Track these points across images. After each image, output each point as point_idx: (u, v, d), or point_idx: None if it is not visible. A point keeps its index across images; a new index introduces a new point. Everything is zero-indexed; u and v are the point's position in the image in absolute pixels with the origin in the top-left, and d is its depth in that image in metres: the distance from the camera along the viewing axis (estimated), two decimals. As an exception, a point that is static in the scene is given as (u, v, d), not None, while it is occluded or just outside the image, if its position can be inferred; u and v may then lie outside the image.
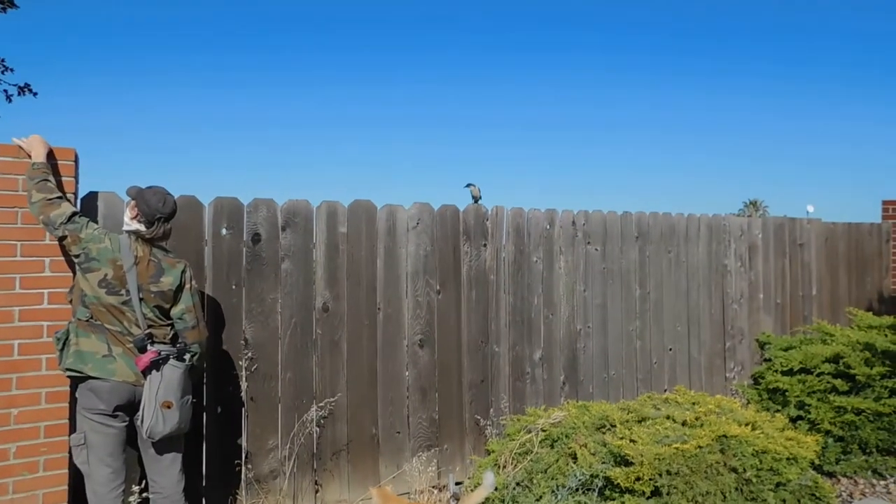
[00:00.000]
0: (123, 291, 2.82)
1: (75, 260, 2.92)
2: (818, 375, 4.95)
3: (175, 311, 2.95)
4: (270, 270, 3.83)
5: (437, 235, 4.37)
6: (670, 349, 5.41)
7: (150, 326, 2.85)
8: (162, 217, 2.91)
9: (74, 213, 2.92)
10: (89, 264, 2.83)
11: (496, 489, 3.62)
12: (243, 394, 3.72)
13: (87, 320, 2.86)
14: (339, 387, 3.98)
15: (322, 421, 3.89)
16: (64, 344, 2.86)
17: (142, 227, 2.90)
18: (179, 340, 2.93)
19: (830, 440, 4.61)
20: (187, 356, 2.90)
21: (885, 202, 7.24)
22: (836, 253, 6.60)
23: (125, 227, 2.97)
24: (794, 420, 4.81)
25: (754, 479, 3.77)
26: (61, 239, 2.92)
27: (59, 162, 3.23)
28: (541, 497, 3.46)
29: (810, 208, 6.57)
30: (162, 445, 2.87)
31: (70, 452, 3.14)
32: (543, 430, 3.88)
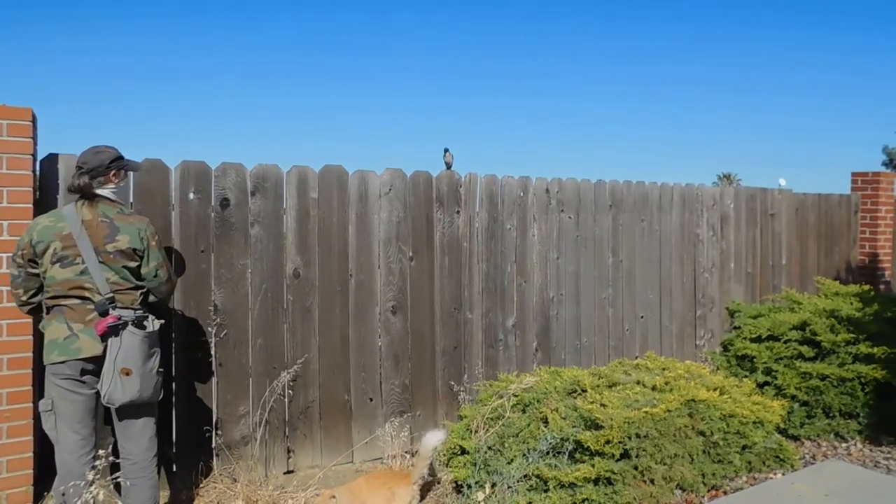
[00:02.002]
0: (79, 260, 2.73)
1: (38, 262, 2.80)
2: (785, 342, 5.04)
3: (146, 271, 2.88)
4: (240, 236, 3.77)
5: (410, 202, 4.33)
6: (642, 317, 5.47)
7: (115, 291, 2.77)
8: (81, 168, 2.82)
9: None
10: (38, 248, 2.74)
11: (467, 453, 3.65)
12: (213, 360, 3.67)
13: (48, 310, 2.80)
14: (311, 353, 3.96)
15: (294, 387, 3.87)
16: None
17: None
18: (140, 307, 2.85)
19: (796, 405, 4.72)
20: (147, 322, 2.82)
21: (854, 174, 7.34)
22: (806, 223, 6.69)
23: None
24: (761, 385, 4.91)
25: (721, 442, 3.86)
26: (30, 263, 2.79)
27: (14, 122, 3.12)
28: (512, 460, 3.50)
29: (782, 181, 6.65)
30: (130, 412, 2.81)
31: (35, 419, 3.09)
32: (515, 396, 3.91)
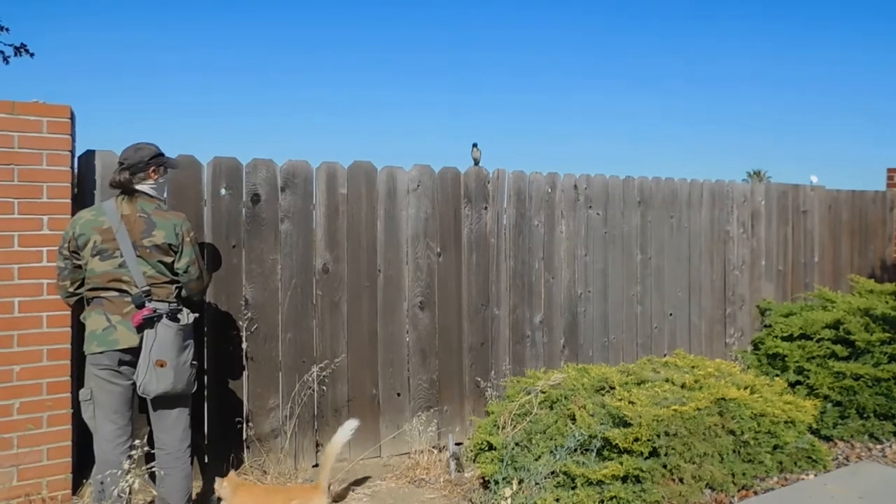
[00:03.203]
0: (117, 254, 2.80)
1: (80, 254, 2.89)
2: (818, 341, 4.95)
3: (179, 266, 2.92)
4: (270, 231, 3.81)
5: (438, 198, 4.34)
6: (671, 314, 5.41)
7: (151, 285, 2.84)
8: (122, 164, 2.92)
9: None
10: (79, 241, 2.84)
11: (495, 449, 3.66)
12: (244, 354, 3.73)
13: (89, 302, 2.88)
14: (339, 348, 3.99)
15: (323, 381, 3.91)
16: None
17: None
18: (175, 301, 2.91)
19: (829, 405, 4.63)
20: (182, 315, 2.88)
21: (889, 170, 7.17)
22: (839, 220, 6.55)
23: None
24: (792, 385, 4.83)
25: (752, 442, 3.80)
26: (74, 255, 2.88)
27: (54, 119, 3.19)
28: (539, 457, 3.49)
29: (814, 178, 6.49)
30: (165, 403, 2.88)
31: (74, 409, 3.17)
32: (543, 392, 3.90)
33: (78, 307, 3.01)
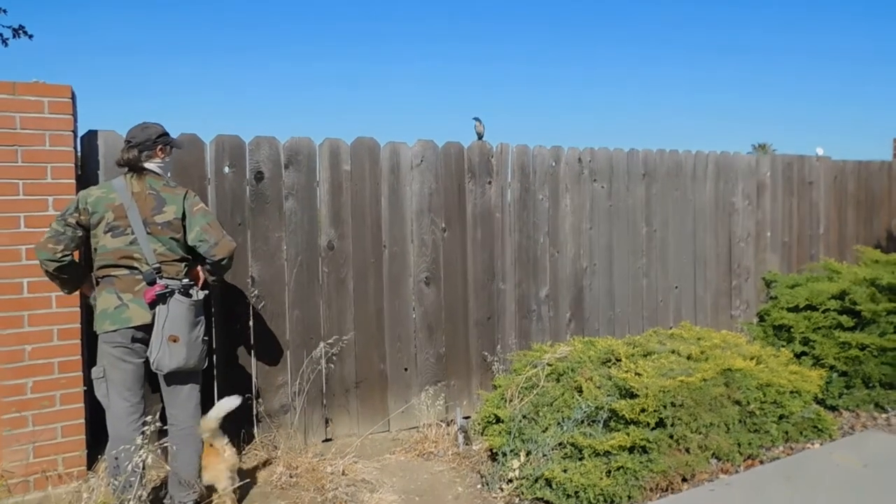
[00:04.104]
0: (129, 231, 2.81)
1: (91, 232, 2.85)
2: (824, 312, 4.95)
3: (191, 238, 2.89)
4: (274, 209, 3.81)
5: (442, 173, 4.32)
6: (676, 287, 5.41)
7: (161, 262, 2.85)
8: (130, 143, 2.90)
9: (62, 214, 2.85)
10: (92, 218, 2.82)
11: (502, 421, 3.69)
12: (251, 331, 3.75)
13: (98, 281, 2.87)
14: (346, 324, 4.02)
15: (330, 357, 3.94)
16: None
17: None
18: (185, 278, 2.92)
19: (834, 375, 4.65)
20: (193, 291, 2.90)
21: (896, 140, 7.11)
22: (844, 192, 6.52)
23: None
24: (798, 356, 4.85)
25: (758, 412, 3.83)
26: (79, 227, 2.81)
27: (55, 100, 3.18)
28: (547, 429, 3.52)
29: (819, 150, 6.42)
30: (177, 379, 2.90)
31: (86, 387, 3.20)
32: (549, 365, 3.92)
33: (55, 277, 2.88)
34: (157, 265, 2.82)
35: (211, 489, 3.02)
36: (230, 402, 3.06)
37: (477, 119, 4.67)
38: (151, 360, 2.78)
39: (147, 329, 2.81)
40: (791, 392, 3.99)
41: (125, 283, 2.81)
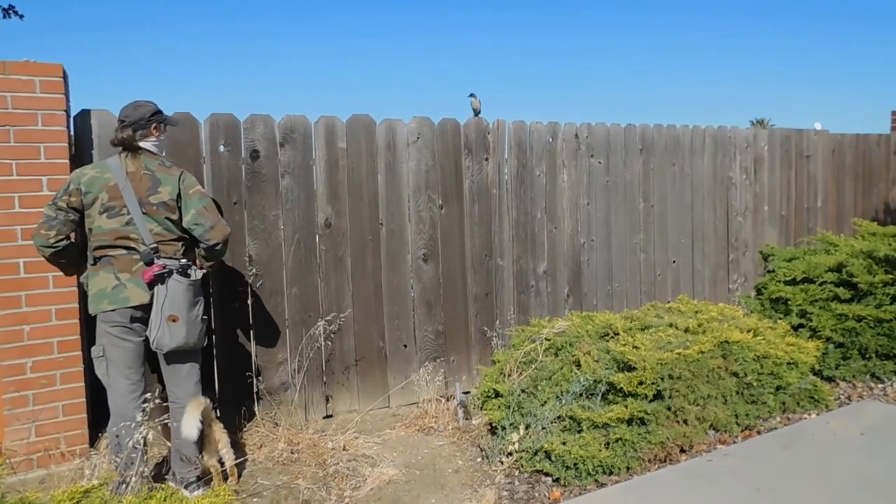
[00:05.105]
0: (125, 211, 2.79)
1: (85, 213, 2.82)
2: (821, 284, 4.97)
3: (187, 220, 2.87)
4: (271, 187, 3.80)
5: (439, 150, 4.30)
6: (674, 262, 5.42)
7: (158, 242, 2.84)
8: (123, 122, 2.86)
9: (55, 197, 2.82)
10: (86, 198, 2.79)
11: (501, 396, 3.71)
12: (250, 309, 3.76)
13: (94, 262, 2.85)
14: (345, 301, 4.02)
15: (329, 335, 3.95)
16: (87, 292, 2.88)
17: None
18: (182, 257, 2.91)
19: (831, 346, 4.68)
20: (191, 271, 2.90)
21: (894, 113, 7.08)
22: (842, 164, 6.50)
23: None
24: (795, 328, 4.87)
25: (755, 383, 3.86)
26: (70, 209, 2.79)
27: (46, 79, 3.15)
28: (545, 402, 3.55)
29: (817, 125, 6.39)
30: (177, 357, 2.91)
31: (86, 366, 3.22)
32: (548, 340, 3.94)
33: (53, 260, 2.88)
34: (154, 245, 2.81)
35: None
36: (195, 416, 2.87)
37: (473, 95, 4.64)
38: (151, 340, 2.79)
39: (145, 308, 2.81)
40: (788, 363, 4.02)
41: (123, 263, 2.81)
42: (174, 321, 2.78)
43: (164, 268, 2.79)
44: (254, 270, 3.75)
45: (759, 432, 3.75)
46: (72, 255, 2.89)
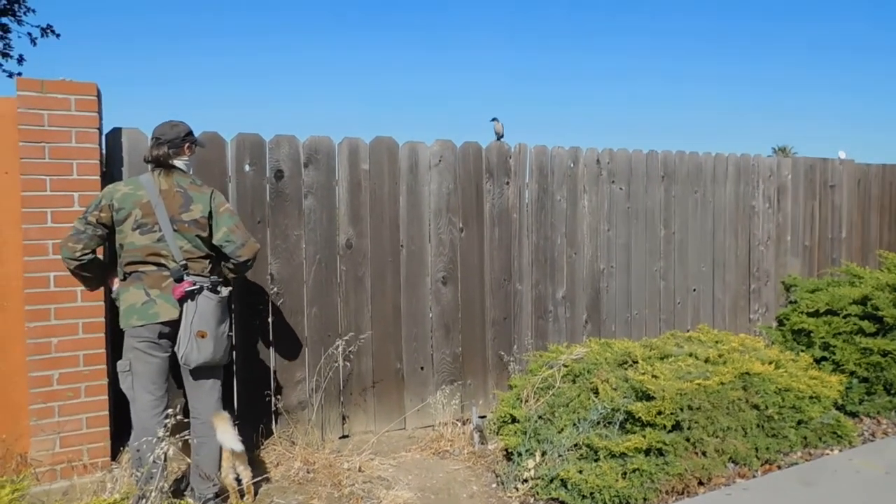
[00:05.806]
0: (156, 228, 2.85)
1: (117, 228, 2.88)
2: (845, 317, 4.90)
3: (218, 238, 2.93)
4: (294, 207, 3.85)
5: (460, 173, 4.34)
6: (694, 290, 5.38)
7: (187, 259, 2.90)
8: (159, 140, 2.95)
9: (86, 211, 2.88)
10: (119, 214, 2.85)
11: (518, 421, 3.70)
12: (270, 328, 3.80)
13: (125, 278, 2.92)
14: (363, 322, 4.05)
15: (348, 355, 3.97)
16: (118, 307, 2.94)
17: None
18: (210, 274, 2.97)
19: (855, 381, 4.60)
20: (220, 288, 2.95)
21: (923, 143, 6.99)
22: (868, 195, 6.43)
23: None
24: (818, 361, 4.79)
25: (776, 416, 3.80)
26: (99, 225, 2.84)
27: (81, 97, 3.24)
28: (562, 429, 3.53)
29: (842, 154, 6.34)
30: (202, 373, 2.96)
31: (110, 380, 3.27)
32: (566, 366, 3.93)
33: (77, 275, 2.93)
34: (184, 262, 2.87)
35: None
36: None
37: (496, 119, 4.68)
38: (179, 355, 2.84)
39: (173, 325, 2.86)
40: (810, 397, 3.95)
41: (153, 279, 2.87)
42: (203, 337, 2.83)
43: (195, 284, 2.85)
44: (275, 289, 3.80)
45: (779, 467, 3.68)
46: (95, 270, 2.96)
